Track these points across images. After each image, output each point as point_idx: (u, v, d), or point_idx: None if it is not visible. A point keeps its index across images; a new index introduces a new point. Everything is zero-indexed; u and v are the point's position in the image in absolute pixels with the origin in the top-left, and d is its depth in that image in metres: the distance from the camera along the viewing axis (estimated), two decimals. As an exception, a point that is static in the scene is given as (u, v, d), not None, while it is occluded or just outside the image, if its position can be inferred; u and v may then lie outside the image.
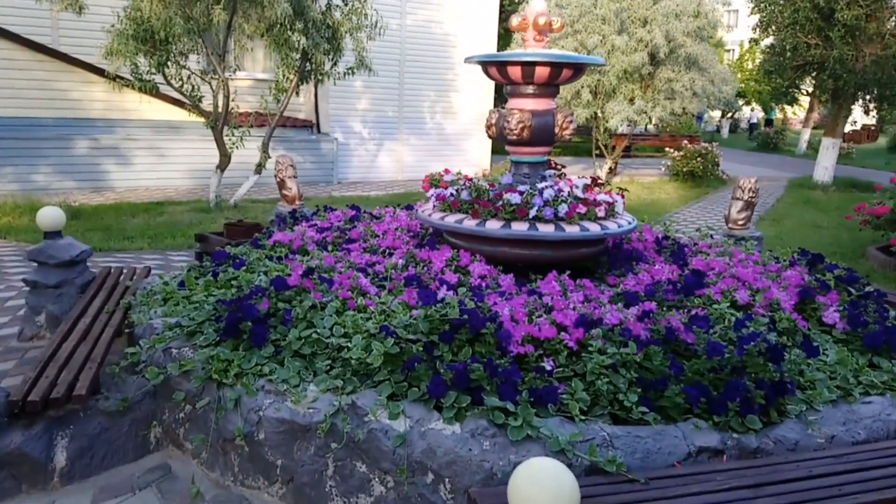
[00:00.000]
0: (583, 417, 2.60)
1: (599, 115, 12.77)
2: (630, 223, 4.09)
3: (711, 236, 5.43)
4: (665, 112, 12.78)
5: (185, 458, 3.11)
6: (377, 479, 2.62)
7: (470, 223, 3.92)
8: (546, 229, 3.81)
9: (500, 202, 3.92)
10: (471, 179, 4.32)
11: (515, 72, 4.01)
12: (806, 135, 26.82)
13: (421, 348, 2.78)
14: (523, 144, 4.17)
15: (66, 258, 4.24)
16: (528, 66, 3.96)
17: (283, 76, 9.94)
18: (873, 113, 16.21)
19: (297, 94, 10.67)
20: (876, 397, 2.93)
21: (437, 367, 2.70)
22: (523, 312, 3.06)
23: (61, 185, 10.84)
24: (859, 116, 29.27)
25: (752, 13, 15.72)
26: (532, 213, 3.84)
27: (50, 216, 4.24)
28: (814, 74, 15.34)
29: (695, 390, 2.67)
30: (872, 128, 34.82)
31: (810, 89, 24.19)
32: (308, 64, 9.86)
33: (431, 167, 14.76)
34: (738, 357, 2.78)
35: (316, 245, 4.33)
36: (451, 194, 4.16)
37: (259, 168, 10.15)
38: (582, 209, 3.91)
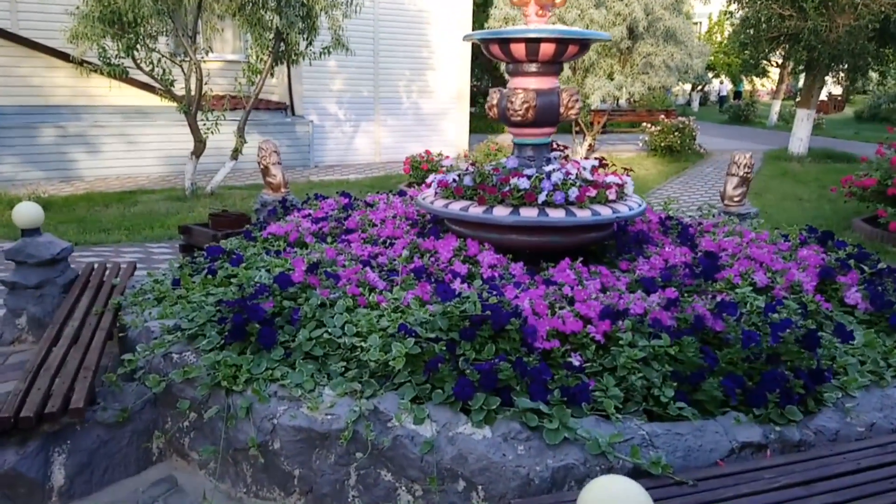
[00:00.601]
0: (618, 416, 2.47)
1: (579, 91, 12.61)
2: (640, 205, 3.96)
3: (714, 215, 5.33)
4: (644, 87, 12.67)
5: (191, 469, 2.93)
6: (404, 488, 2.47)
7: (476, 210, 3.76)
8: (556, 215, 3.66)
9: (508, 187, 3.76)
10: (474, 164, 4.14)
11: (519, 49, 3.83)
12: (776, 106, 26.98)
13: (444, 348, 2.62)
14: (528, 125, 4.01)
15: (47, 257, 3.99)
16: (533, 43, 3.79)
17: (257, 57, 9.62)
18: (845, 83, 16.27)
19: (272, 75, 10.33)
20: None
21: (462, 367, 2.55)
22: (545, 305, 2.92)
23: (28, 175, 10.42)
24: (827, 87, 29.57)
25: (726, -15, 15.64)
26: (541, 198, 3.69)
27: (27, 213, 3.98)
28: (788, 46, 15.33)
29: (731, 382, 2.56)
30: (839, 98, 35.23)
31: (780, 61, 24.34)
32: (282, 44, 9.55)
33: (409, 148, 14.54)
34: (772, 345, 2.68)
35: (313, 236, 4.13)
36: (454, 180, 3.98)
37: (235, 154, 9.85)
38: (592, 192, 3.77)
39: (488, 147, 10.33)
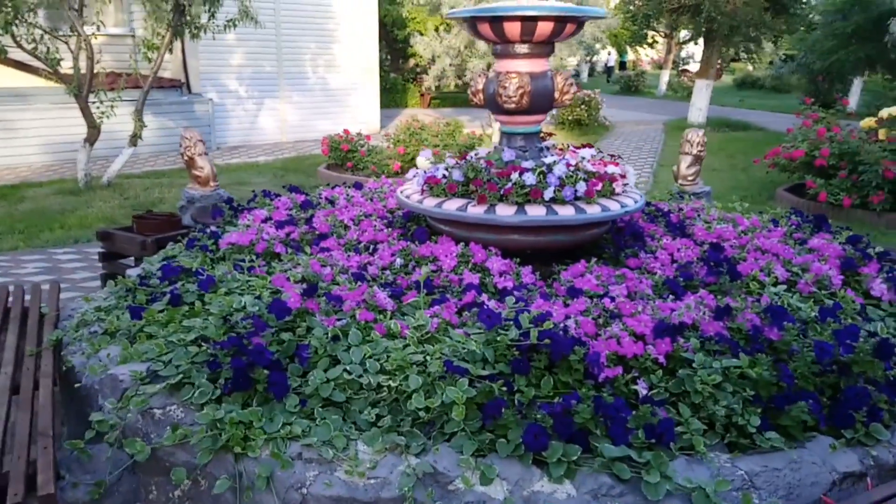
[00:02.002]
0: (707, 453, 2.19)
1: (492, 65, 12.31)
2: (642, 196, 3.69)
3: (674, 196, 5.19)
4: (556, 59, 12.54)
5: (186, 547, 2.41)
6: (474, 560, 2.09)
7: (476, 210, 3.36)
8: (566, 212, 3.33)
9: (509, 183, 3.38)
10: (465, 158, 3.72)
11: (514, 28, 3.43)
12: (665, 76, 27.86)
13: (503, 387, 2.24)
14: (520, 113, 3.63)
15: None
16: (530, 22, 3.40)
17: (153, 31, 8.69)
18: (743, 53, 16.87)
19: (170, 51, 9.39)
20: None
21: (527, 410, 2.18)
22: (591, 323, 2.58)
23: None
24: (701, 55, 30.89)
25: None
26: (548, 194, 3.34)
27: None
28: (688, 16, 15.66)
29: (816, 402, 2.33)
30: (718, 66, 36.80)
31: (668, 31, 25.05)
32: (182, 17, 8.65)
33: (318, 126, 13.85)
34: (844, 355, 2.47)
35: (283, 245, 3.60)
36: (445, 176, 3.56)
37: (134, 139, 8.88)
38: (599, 185, 3.46)
39: (411, 125, 9.84)
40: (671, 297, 3.02)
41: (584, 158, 3.67)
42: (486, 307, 2.54)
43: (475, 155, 3.78)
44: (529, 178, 3.34)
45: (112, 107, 8.38)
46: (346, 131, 10.26)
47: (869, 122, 8.01)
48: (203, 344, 2.64)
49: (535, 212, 3.32)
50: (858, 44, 10.96)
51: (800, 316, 2.79)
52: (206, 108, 12.16)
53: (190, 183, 5.66)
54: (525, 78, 3.53)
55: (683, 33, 24.72)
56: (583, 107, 15.31)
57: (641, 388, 2.36)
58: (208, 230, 4.11)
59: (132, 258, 4.85)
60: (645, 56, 37.13)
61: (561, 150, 3.83)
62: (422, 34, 16.27)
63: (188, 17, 8.67)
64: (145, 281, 3.31)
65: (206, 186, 5.58)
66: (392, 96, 20.33)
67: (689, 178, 6.15)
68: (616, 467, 2.07)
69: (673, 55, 28.98)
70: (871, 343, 2.49)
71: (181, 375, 2.50)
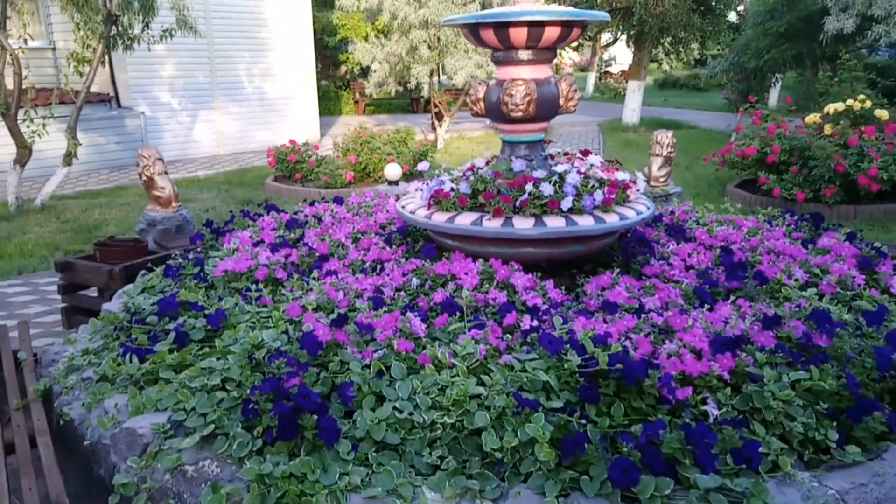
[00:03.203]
0: (794, 472, 2.09)
1: (436, 70, 12.19)
2: (653, 203, 3.62)
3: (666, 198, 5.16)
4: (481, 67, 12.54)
5: None
6: None
7: (492, 224, 3.20)
8: (585, 222, 3.20)
9: (525, 195, 3.23)
10: (472, 170, 3.55)
11: (520, 34, 3.29)
12: (591, 78, 28.39)
13: (581, 420, 2.08)
14: (526, 121, 3.49)
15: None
16: (537, 27, 3.27)
17: (84, 44, 8.16)
18: (672, 54, 17.30)
19: (103, 64, 8.85)
20: None
21: (620, 446, 2.03)
22: (648, 342, 2.46)
23: None
24: (626, 57, 31.67)
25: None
26: (566, 204, 3.21)
27: None
28: (619, 19, 15.93)
29: (883, 411, 2.27)
30: (627, 67, 37.71)
31: (591, 35, 25.53)
32: (114, 27, 8.16)
33: (256, 137, 13.41)
34: (901, 360, 2.43)
35: (284, 270, 3.34)
36: (453, 189, 3.38)
37: (69, 158, 8.30)
38: (614, 193, 3.36)
39: (359, 133, 9.58)
40: (706, 306, 2.93)
41: (592, 165, 3.56)
42: (545, 332, 2.38)
43: (476, 166, 3.63)
44: (547, 189, 3.21)
45: (44, 125, 7.81)
46: (292, 141, 9.93)
47: (814, 117, 8.26)
48: (228, 388, 2.38)
49: (555, 223, 3.18)
50: (790, 42, 11.35)
51: (844, 320, 2.75)
52: (137, 123, 11.56)
53: (149, 204, 5.30)
54: (531, 85, 3.40)
55: (606, 36, 25.23)
56: (523, 110, 15.33)
57: (712, 409, 2.25)
58: (190, 256, 3.80)
59: (95, 289, 4.46)
60: (568, 59, 37.78)
61: (569, 156, 3.71)
62: (364, 40, 15.98)
63: (120, 28, 8.18)
64: (138, 318, 2.99)
65: (168, 207, 5.24)
66: (325, 104, 19.92)
67: (661, 180, 6.18)
68: (713, 498, 1.94)
69: (597, 57, 29.58)
70: (926, 345, 2.46)
71: (212, 425, 2.24)
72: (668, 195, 6.10)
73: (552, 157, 3.68)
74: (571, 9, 3.36)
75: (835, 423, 2.24)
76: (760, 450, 2.13)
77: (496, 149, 13.61)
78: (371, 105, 21.11)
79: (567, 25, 3.31)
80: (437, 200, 3.39)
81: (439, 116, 13.37)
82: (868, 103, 7.86)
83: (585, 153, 3.88)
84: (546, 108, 3.47)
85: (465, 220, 3.27)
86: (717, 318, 2.67)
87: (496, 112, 3.51)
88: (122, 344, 2.84)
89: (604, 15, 3.47)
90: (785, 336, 2.61)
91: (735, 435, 2.09)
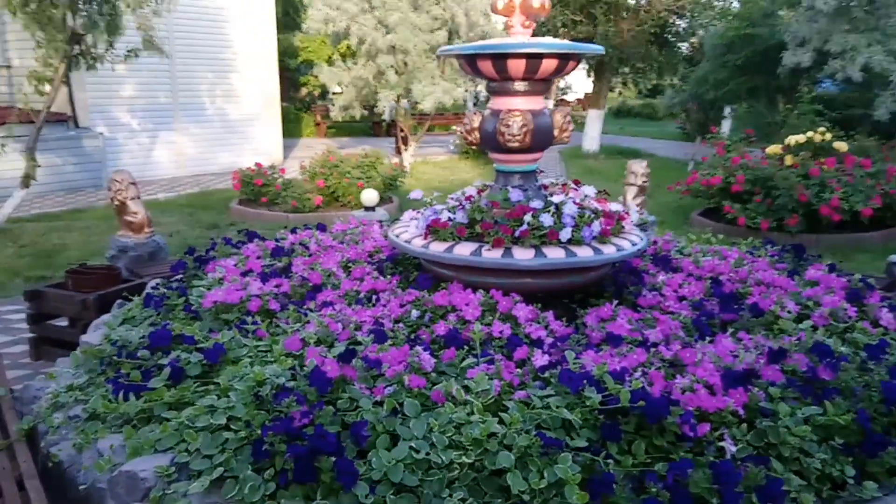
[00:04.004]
0: (815, 508, 2.09)
1: (403, 96, 12.20)
2: (644, 234, 3.64)
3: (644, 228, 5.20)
4: (466, 92, 12.64)
5: None
6: None
7: (492, 254, 3.17)
8: (584, 253, 3.20)
9: (524, 225, 3.22)
10: (469, 199, 3.52)
11: (518, 66, 3.30)
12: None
13: (607, 459, 2.05)
14: (521, 151, 3.49)
15: None
16: (535, 59, 3.28)
17: (45, 63, 7.93)
18: (631, 83, 17.70)
19: (65, 83, 8.60)
20: None
21: (647, 486, 2.00)
22: (661, 376, 2.45)
23: None
24: (581, 86, 32.34)
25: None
26: (565, 235, 3.21)
27: None
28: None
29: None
30: (587, 96, 38.57)
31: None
32: (78, 46, 7.96)
33: (218, 159, 13.21)
34: (907, 393, 2.46)
35: (276, 301, 3.24)
36: (450, 219, 3.35)
37: (27, 180, 8.02)
38: (612, 224, 3.37)
39: (327, 157, 9.49)
40: (707, 338, 2.94)
41: (587, 196, 3.57)
42: (567, 370, 2.34)
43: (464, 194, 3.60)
44: (547, 220, 3.20)
45: (3, 145, 7.53)
46: (258, 164, 9.80)
47: (775, 148, 8.50)
48: (232, 427, 2.28)
49: (555, 254, 3.17)
50: (748, 75, 11.72)
51: (841, 352, 2.79)
52: (96, 143, 11.26)
53: (121, 230, 5.14)
54: (528, 116, 3.40)
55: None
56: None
57: (729, 446, 2.24)
58: (173, 286, 3.67)
59: (65, 319, 4.28)
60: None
61: (563, 186, 3.71)
62: (327, 63, 15.94)
63: (84, 47, 7.98)
64: (126, 352, 2.86)
65: (141, 233, 5.09)
66: (286, 126, 19.67)
67: (637, 209, 6.24)
68: (743, 539, 1.93)
69: (554, 86, 30.10)
70: (930, 378, 2.50)
71: (220, 468, 2.13)
72: (646, 224, 6.17)
73: (545, 188, 3.68)
74: (568, 41, 3.39)
75: (850, 459, 2.25)
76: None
77: (461, 174, 13.69)
78: (332, 128, 21.02)
79: (564, 58, 3.33)
80: (435, 230, 3.35)
81: (405, 140, 13.37)
82: (828, 135, 8.13)
83: (577, 183, 3.90)
84: (541, 138, 3.48)
85: (465, 250, 3.23)
86: (724, 352, 2.67)
87: (491, 142, 3.50)
88: (110, 380, 2.70)
89: (599, 48, 3.51)
90: (790, 370, 2.63)
91: (760, 473, 2.09)
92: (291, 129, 20.14)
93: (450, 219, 3.36)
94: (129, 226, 5.03)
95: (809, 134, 8.29)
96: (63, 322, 4.31)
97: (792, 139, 8.30)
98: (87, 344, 3.28)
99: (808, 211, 7.55)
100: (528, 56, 3.27)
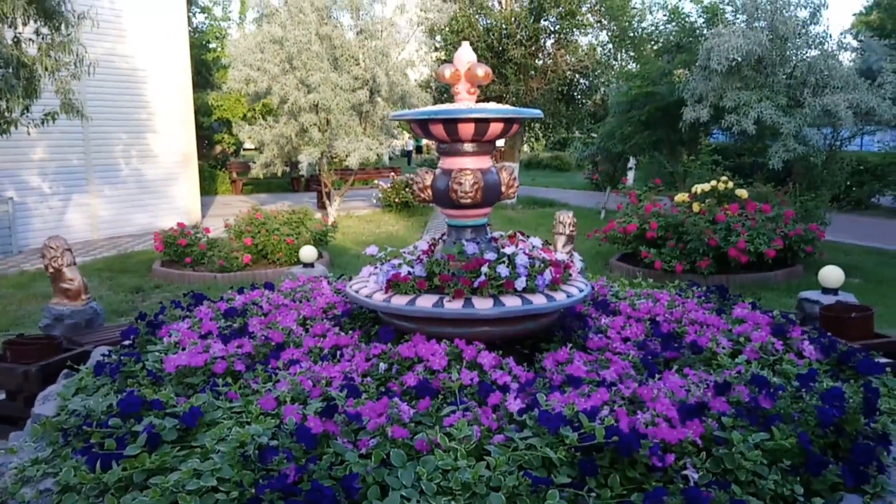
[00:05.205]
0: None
1: (326, 152, 12.33)
2: (588, 281, 3.89)
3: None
4: (389, 149, 12.91)
5: None
6: None
7: (454, 305, 3.32)
8: (539, 301, 3.40)
9: (482, 276, 3.39)
10: (428, 252, 3.68)
11: (467, 129, 3.52)
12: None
13: (589, 493, 2.20)
14: (473, 207, 3.69)
15: None
16: (483, 123, 3.52)
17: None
18: (542, 138, 18.47)
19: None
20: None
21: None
22: (625, 413, 2.64)
23: None
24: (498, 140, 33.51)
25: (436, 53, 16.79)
26: (520, 284, 3.40)
27: None
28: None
29: (846, 464, 2.56)
30: (503, 149, 39.97)
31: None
32: (-9, 109, 7.73)
33: (134, 220, 12.90)
34: (837, 416, 2.75)
35: (241, 361, 3.26)
36: (410, 273, 3.49)
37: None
38: (561, 272, 3.60)
39: (252, 215, 9.45)
40: (657, 376, 3.17)
41: (535, 247, 3.80)
42: (546, 412, 2.49)
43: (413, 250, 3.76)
44: (503, 271, 3.39)
45: None
46: (180, 224, 9.66)
47: (682, 196, 9.11)
48: (222, 489, 2.30)
49: (512, 303, 3.36)
50: (651, 129, 12.54)
51: (774, 382, 3.07)
52: (4, 208, 10.79)
53: (55, 297, 4.98)
54: (478, 174, 3.62)
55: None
56: (407, 189, 15.76)
57: (692, 473, 2.44)
58: (126, 352, 3.62)
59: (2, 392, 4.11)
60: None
61: (512, 238, 3.93)
62: (243, 120, 15.91)
63: (-1, 111, 7.76)
64: (94, 421, 2.81)
65: (77, 301, 4.95)
66: (201, 184, 19.44)
67: (579, 257, 6.55)
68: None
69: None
70: (857, 402, 2.80)
71: (215, 531, 2.15)
72: (581, 271, 6.47)
73: (495, 240, 3.89)
74: (511, 107, 3.65)
75: (797, 479, 2.49)
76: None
77: (387, 227, 13.85)
78: (249, 185, 20.85)
79: (508, 122, 3.59)
80: (396, 284, 3.48)
81: (328, 195, 13.45)
82: (730, 184, 8.80)
83: (523, 234, 4.12)
84: (490, 194, 3.69)
85: (427, 302, 3.37)
86: (675, 387, 2.90)
87: (444, 198, 3.69)
88: (80, 450, 2.65)
89: (538, 112, 3.79)
90: (735, 401, 2.87)
91: (724, 497, 2.29)
92: (207, 186, 19.84)
93: (409, 273, 3.50)
94: (66, 293, 4.89)
95: (713, 182, 8.94)
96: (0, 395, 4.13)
97: (698, 187, 8.93)
98: (42, 416, 3.19)
99: (717, 253, 8.11)
100: (477, 120, 3.51)
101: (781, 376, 3.26)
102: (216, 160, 22.11)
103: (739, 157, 14.93)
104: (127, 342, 3.89)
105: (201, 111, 19.58)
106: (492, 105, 3.65)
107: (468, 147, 3.65)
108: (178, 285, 8.64)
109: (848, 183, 13.57)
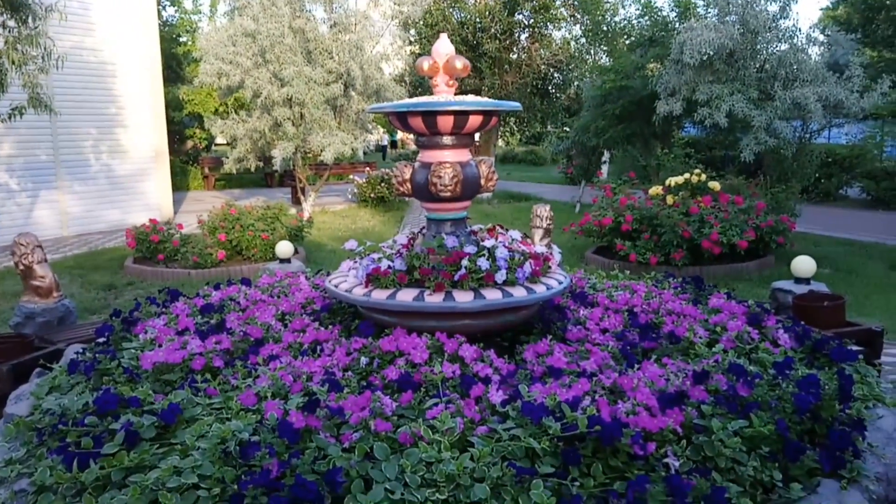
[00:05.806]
0: (754, 513, 2.34)
1: (300, 147, 12.23)
2: (567, 274, 3.90)
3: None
4: (364, 143, 12.85)
5: None
6: None
7: (434, 299, 3.32)
8: (519, 293, 3.41)
9: (463, 269, 3.39)
10: (407, 246, 3.66)
11: (446, 122, 3.52)
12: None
13: (573, 482, 2.21)
14: (452, 200, 3.69)
15: None
16: (462, 116, 3.51)
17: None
18: (517, 132, 18.53)
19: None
20: (881, 409, 3.20)
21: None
22: (606, 403, 2.66)
23: None
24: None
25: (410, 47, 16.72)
26: (500, 277, 3.41)
27: None
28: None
29: (823, 450, 2.61)
30: (478, 144, 40.02)
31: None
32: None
33: (105, 216, 12.70)
34: (813, 403, 2.79)
35: (220, 357, 3.23)
36: (391, 267, 3.47)
37: None
38: (541, 264, 3.61)
39: (227, 211, 9.34)
40: (636, 366, 3.19)
41: (514, 240, 3.80)
42: (529, 403, 2.50)
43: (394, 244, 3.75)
44: (484, 264, 3.39)
45: None
46: (153, 220, 9.52)
47: (657, 189, 9.20)
48: (203, 486, 2.27)
49: (492, 295, 3.36)
50: (625, 123, 12.62)
51: (751, 371, 3.11)
52: (-31, 205, 10.56)
53: (26, 295, 4.88)
54: (457, 167, 3.61)
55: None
56: (383, 184, 15.71)
57: (673, 461, 2.47)
58: (101, 350, 3.56)
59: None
60: (409, 136, 39.20)
61: (491, 231, 3.93)
62: (214, 115, 15.71)
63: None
64: (69, 420, 2.76)
65: (49, 298, 4.87)
66: (173, 180, 19.15)
67: (558, 250, 6.58)
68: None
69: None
70: (832, 389, 2.85)
71: (195, 528, 2.13)
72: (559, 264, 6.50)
73: (475, 233, 3.89)
74: (491, 100, 3.64)
75: (776, 465, 2.53)
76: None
77: (362, 222, 13.79)
78: (221, 180, 20.61)
79: (487, 114, 3.58)
80: (376, 278, 3.46)
81: (303, 191, 13.35)
82: (703, 176, 8.90)
83: (502, 227, 4.12)
84: (470, 187, 3.69)
85: (407, 296, 3.36)
86: (654, 377, 2.93)
87: (423, 192, 3.68)
88: (55, 450, 2.60)
89: (517, 105, 3.79)
90: (713, 389, 2.91)
91: (706, 484, 2.31)
92: (178, 182, 19.59)
93: (389, 266, 3.48)
94: (37, 290, 4.80)
95: (686, 175, 9.04)
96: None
97: (671, 180, 9.02)
98: (14, 416, 3.13)
99: (691, 245, 8.20)
100: (456, 113, 3.50)
101: (758, 364, 3.30)
102: (188, 155, 21.83)
103: (711, 150, 15.14)
104: (101, 339, 3.83)
105: (172, 106, 19.31)
106: (471, 97, 3.65)
107: (447, 140, 3.64)
108: (152, 282, 8.53)
109: (817, 175, 13.80)
